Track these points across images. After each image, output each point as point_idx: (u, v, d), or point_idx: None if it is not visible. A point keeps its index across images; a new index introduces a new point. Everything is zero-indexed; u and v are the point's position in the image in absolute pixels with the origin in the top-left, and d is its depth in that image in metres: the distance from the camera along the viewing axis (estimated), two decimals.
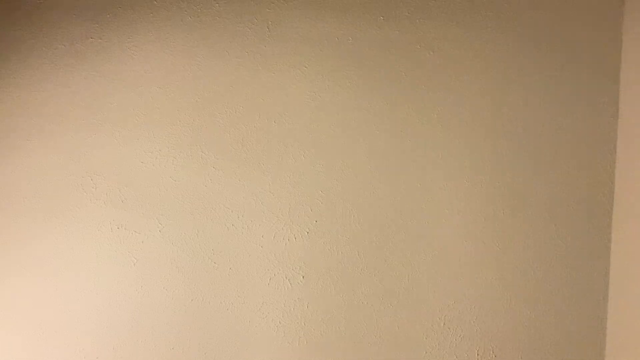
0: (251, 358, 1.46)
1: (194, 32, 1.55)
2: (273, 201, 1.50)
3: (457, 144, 1.50)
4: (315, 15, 1.54)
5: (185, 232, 1.51)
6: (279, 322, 1.46)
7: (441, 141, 1.50)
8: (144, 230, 1.51)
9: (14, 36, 1.56)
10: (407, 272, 1.47)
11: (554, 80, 1.50)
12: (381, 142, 1.51)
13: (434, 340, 1.44)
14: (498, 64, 1.51)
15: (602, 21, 1.49)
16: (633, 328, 1.32)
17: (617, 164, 1.46)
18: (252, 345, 1.46)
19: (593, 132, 1.47)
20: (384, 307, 1.45)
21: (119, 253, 1.51)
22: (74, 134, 1.54)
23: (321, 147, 1.52)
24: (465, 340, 1.44)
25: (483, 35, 1.52)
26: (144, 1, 1.56)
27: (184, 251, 1.50)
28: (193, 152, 1.53)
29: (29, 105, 1.55)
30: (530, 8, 1.51)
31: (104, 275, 1.50)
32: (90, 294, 1.50)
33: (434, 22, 1.52)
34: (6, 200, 1.53)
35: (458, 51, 1.52)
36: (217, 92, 1.54)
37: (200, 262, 1.50)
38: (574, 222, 1.46)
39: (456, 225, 1.47)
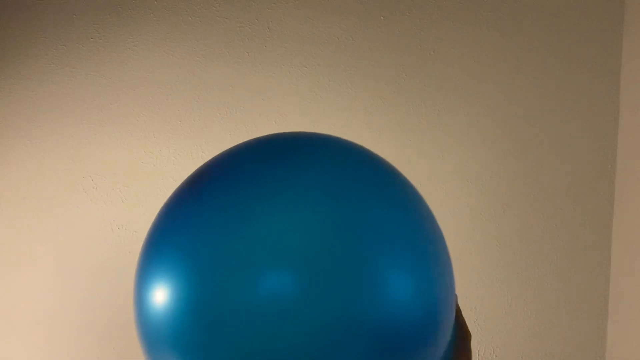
0: None
1: (194, 32, 1.55)
2: None
3: (458, 144, 1.50)
4: (316, 15, 1.54)
5: None
6: None
7: (442, 141, 1.50)
8: (145, 230, 1.50)
9: (14, 36, 1.56)
10: None
11: (554, 79, 1.50)
12: (381, 142, 1.51)
13: None
14: (498, 64, 1.51)
15: (603, 21, 1.49)
16: (634, 328, 1.32)
17: (617, 164, 1.47)
18: None
19: (594, 132, 1.48)
20: None
21: (120, 253, 1.51)
22: (74, 134, 1.54)
23: None
24: None
25: (484, 35, 1.52)
26: (144, 1, 1.55)
27: None
28: (194, 152, 1.53)
29: (29, 105, 1.55)
30: (531, 8, 1.51)
31: (105, 276, 1.51)
32: (91, 294, 1.50)
33: (435, 22, 1.52)
34: (6, 200, 1.53)
35: (459, 51, 1.52)
36: (217, 92, 1.54)
37: None
38: (575, 222, 1.46)
39: (456, 225, 1.48)
